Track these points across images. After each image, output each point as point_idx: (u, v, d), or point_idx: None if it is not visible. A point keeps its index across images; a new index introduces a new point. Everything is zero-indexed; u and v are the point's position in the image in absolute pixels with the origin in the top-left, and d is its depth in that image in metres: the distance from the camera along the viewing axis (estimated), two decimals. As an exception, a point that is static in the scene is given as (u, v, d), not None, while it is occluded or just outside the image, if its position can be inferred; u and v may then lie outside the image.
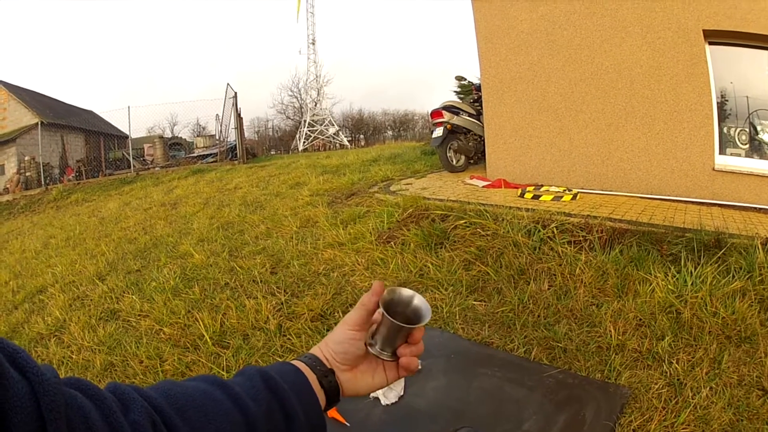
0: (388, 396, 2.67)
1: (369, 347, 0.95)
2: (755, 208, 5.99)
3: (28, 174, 20.90)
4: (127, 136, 22.55)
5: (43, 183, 19.71)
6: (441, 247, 4.82)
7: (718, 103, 6.42)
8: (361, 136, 70.33)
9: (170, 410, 0.69)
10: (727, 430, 2.38)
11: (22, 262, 8.21)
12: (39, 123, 22.42)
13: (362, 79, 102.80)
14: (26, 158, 21.46)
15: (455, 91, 14.11)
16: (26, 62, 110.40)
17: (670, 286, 3.58)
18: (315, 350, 0.97)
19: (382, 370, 0.99)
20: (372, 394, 2.55)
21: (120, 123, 23.68)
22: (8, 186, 20.45)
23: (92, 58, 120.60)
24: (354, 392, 0.97)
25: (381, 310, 0.91)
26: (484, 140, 8.68)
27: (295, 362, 0.92)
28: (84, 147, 25.68)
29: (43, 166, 20.69)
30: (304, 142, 59.13)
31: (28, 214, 15.55)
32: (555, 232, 4.57)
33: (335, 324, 3.49)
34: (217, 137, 23.56)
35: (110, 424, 0.60)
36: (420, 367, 3.00)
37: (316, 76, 64.17)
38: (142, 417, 0.64)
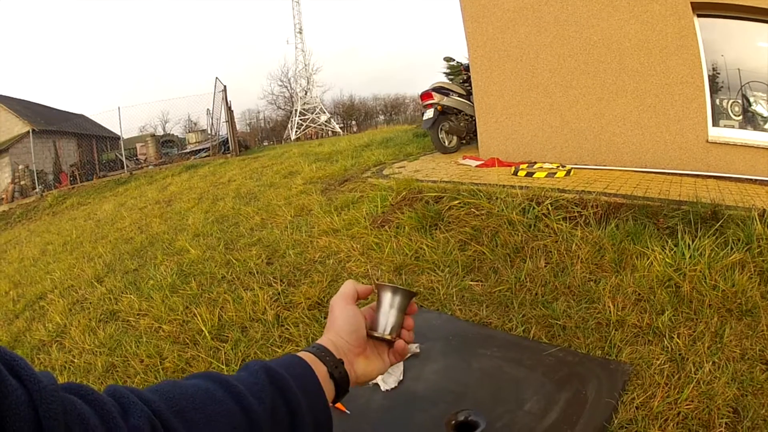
0: (388, 381, 2.66)
1: (373, 333, 0.99)
2: (751, 179, 5.98)
3: (22, 183, 20.85)
4: (119, 137, 22.48)
5: (37, 190, 19.64)
6: (436, 229, 4.81)
7: (709, 75, 6.39)
8: (353, 122, 70.45)
9: (170, 413, 0.67)
10: (731, 405, 2.37)
11: (21, 270, 8.20)
12: (30, 131, 22.34)
13: (356, 66, 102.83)
14: (20, 167, 21.40)
15: (445, 72, 14.07)
16: (14, 70, 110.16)
17: (668, 260, 3.57)
18: (323, 341, 0.95)
19: (381, 353, 1.02)
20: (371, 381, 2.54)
21: (111, 124, 23.65)
22: (3, 196, 20.39)
23: (82, 63, 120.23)
24: (367, 376, 0.97)
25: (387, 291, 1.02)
26: (475, 120, 8.66)
27: (303, 354, 0.91)
28: (77, 151, 25.60)
29: (37, 173, 20.65)
30: (296, 132, 59.19)
31: (25, 223, 15.54)
32: (550, 208, 4.56)
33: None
34: (209, 132, 23.53)
35: (110, 430, 0.58)
36: (418, 350, 3.00)
37: (305, 65, 64.11)
38: (142, 421, 0.63)
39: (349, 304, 0.98)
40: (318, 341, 0.95)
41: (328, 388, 0.88)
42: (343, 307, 0.97)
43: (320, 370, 0.88)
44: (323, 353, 0.91)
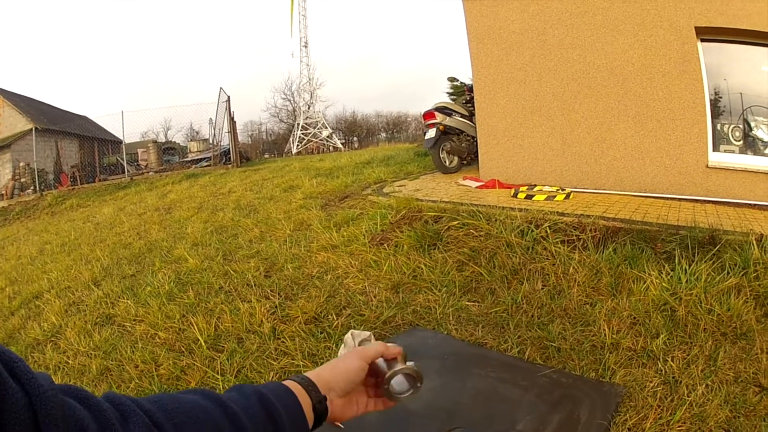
0: (382, 398, 2.66)
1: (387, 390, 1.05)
2: (749, 204, 6.01)
3: (23, 180, 20.86)
4: (121, 141, 22.51)
5: (38, 189, 19.64)
6: (434, 249, 4.81)
7: (711, 100, 6.44)
8: (355, 138, 70.53)
9: (169, 426, 0.68)
10: (723, 427, 2.38)
11: (17, 268, 8.19)
12: (33, 129, 22.36)
13: (359, 82, 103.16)
14: (21, 164, 21.42)
15: (447, 92, 14.16)
16: (21, 67, 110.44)
17: (664, 284, 3.59)
18: (312, 375, 0.98)
19: (359, 401, 1.05)
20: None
21: (114, 128, 23.63)
22: (3, 192, 20.39)
23: (90, 64, 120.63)
24: (341, 417, 1.01)
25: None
26: (476, 141, 8.69)
27: (290, 383, 0.93)
28: (78, 152, 25.62)
29: (37, 172, 20.65)
30: (297, 145, 59.17)
31: (24, 220, 15.53)
32: (548, 231, 4.58)
33: (329, 327, 3.49)
34: (211, 141, 23.57)
35: None
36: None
37: (309, 79, 64.21)
38: (142, 430, 0.63)
39: (363, 360, 1.02)
40: (309, 373, 0.98)
41: (309, 418, 0.91)
42: (355, 359, 1.02)
43: (305, 401, 0.91)
44: (310, 386, 0.94)
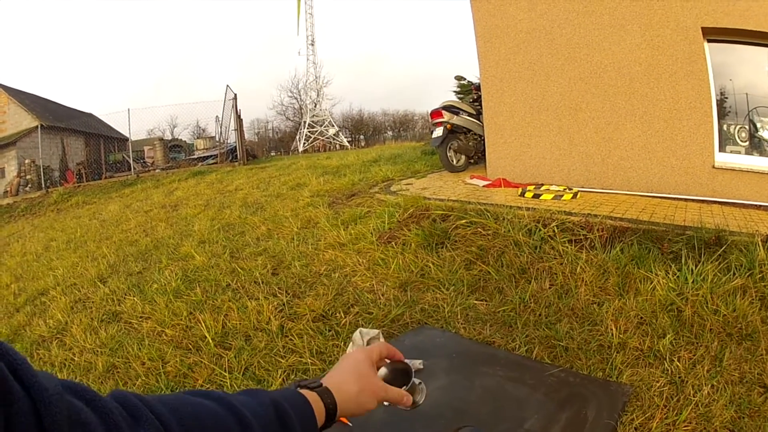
0: (391, 396, 2.67)
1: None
2: (755, 205, 6.00)
3: (28, 177, 20.89)
4: (127, 139, 22.53)
5: (43, 186, 19.67)
6: (442, 247, 4.82)
7: (717, 100, 6.42)
8: (361, 136, 70.33)
9: (179, 431, 0.67)
10: (728, 427, 2.39)
11: (23, 264, 8.23)
12: (39, 126, 22.37)
13: (366, 80, 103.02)
14: (26, 161, 21.44)
15: (455, 91, 14.10)
16: (27, 65, 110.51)
17: (671, 284, 3.59)
18: (330, 383, 1.00)
19: None
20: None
21: (120, 125, 23.61)
22: (8, 189, 20.43)
23: (96, 62, 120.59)
24: (347, 415, 1.02)
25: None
26: (484, 140, 8.67)
27: (307, 393, 0.95)
28: (84, 149, 25.63)
29: (43, 169, 20.66)
30: (304, 143, 59.04)
31: (29, 217, 15.54)
32: (556, 231, 4.58)
33: (337, 325, 3.50)
34: (217, 139, 23.60)
35: None
36: (422, 366, 3.01)
37: (316, 77, 64.10)
38: None
39: (373, 367, 1.07)
40: (325, 381, 1.00)
41: (321, 422, 0.93)
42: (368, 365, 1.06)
43: (319, 408, 0.93)
44: (326, 396, 0.96)
